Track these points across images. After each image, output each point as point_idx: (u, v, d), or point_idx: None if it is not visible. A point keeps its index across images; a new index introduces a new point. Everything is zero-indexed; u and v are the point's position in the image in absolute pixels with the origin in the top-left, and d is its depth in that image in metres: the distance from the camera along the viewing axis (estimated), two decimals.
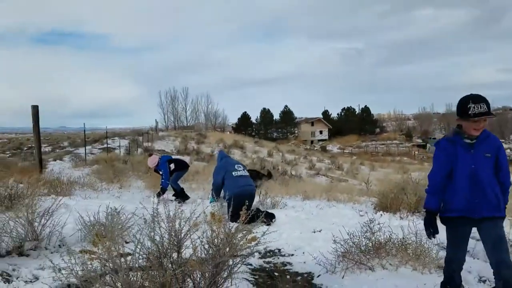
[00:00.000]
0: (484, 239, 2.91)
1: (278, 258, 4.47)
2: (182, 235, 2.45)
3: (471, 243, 4.75)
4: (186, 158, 26.51)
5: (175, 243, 2.42)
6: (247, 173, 6.86)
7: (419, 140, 72.56)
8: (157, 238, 2.38)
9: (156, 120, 50.79)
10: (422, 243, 3.82)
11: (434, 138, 73.87)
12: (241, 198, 5.50)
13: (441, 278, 3.59)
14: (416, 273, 3.62)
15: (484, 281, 3.63)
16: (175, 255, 2.42)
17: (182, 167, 8.54)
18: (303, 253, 4.51)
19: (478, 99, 2.70)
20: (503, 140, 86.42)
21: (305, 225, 5.90)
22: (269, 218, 6.03)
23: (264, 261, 4.33)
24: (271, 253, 4.64)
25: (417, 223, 4.48)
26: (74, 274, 2.27)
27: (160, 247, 2.34)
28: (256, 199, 7.22)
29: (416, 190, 6.44)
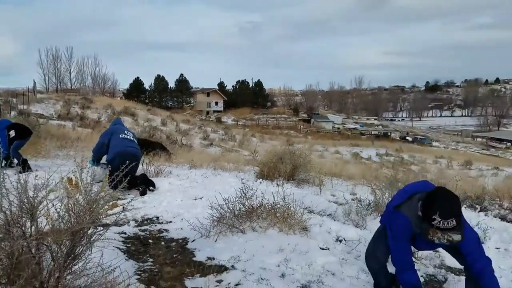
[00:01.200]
0: None
1: (155, 225, 4.46)
2: (37, 202, 2.28)
3: (334, 207, 5.32)
4: (68, 124, 24.49)
5: (28, 211, 2.24)
6: (135, 140, 6.63)
7: (305, 115, 77.24)
8: (6, 204, 2.18)
9: (34, 80, 45.24)
10: (289, 207, 4.13)
11: (318, 114, 79.47)
12: (123, 158, 5.28)
13: (303, 238, 3.96)
14: (282, 234, 3.91)
15: (341, 241, 4.08)
16: (28, 223, 2.25)
17: (24, 135, 7.54)
18: (181, 220, 4.55)
19: (448, 214, 2.18)
20: (376, 117, 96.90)
21: (187, 192, 5.94)
22: (150, 185, 5.96)
23: (139, 229, 4.28)
24: (148, 221, 4.61)
25: (287, 189, 4.83)
26: None
27: (8, 215, 2.15)
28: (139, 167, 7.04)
29: (292, 160, 6.89)
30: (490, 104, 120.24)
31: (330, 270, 3.32)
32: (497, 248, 4.04)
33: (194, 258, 3.52)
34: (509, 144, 61.72)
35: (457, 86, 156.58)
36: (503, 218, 5.26)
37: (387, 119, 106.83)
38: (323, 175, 6.88)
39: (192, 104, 76.52)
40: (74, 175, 2.40)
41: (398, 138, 59.18)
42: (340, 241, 4.08)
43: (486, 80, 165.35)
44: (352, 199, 5.87)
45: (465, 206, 5.82)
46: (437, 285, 3.27)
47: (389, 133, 65.12)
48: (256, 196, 4.24)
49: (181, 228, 4.28)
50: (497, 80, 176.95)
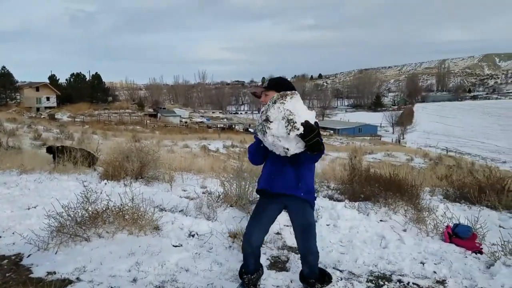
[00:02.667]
0: (292, 222, 2.94)
1: None
2: None
3: (185, 202, 5.35)
4: None
5: None
6: None
7: (151, 110, 75.33)
8: None
9: None
10: (139, 207, 3.98)
11: (164, 108, 78.43)
12: None
13: (156, 238, 3.88)
14: (132, 237, 3.76)
15: (193, 236, 4.12)
16: None
17: None
18: (13, 233, 4.01)
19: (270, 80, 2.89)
20: (220, 111, 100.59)
21: (18, 202, 5.25)
22: None
23: None
24: None
25: (137, 189, 4.65)
26: None
27: None
28: None
29: (140, 157, 6.65)
30: (316, 97, 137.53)
31: (184, 266, 3.33)
32: (328, 225, 4.65)
33: (31, 275, 3.12)
34: (332, 131, 71.60)
35: None
36: (330, 198, 6.07)
37: (231, 113, 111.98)
38: (173, 171, 6.84)
39: (18, 100, 66.88)
40: None
41: (242, 130, 62.51)
42: (193, 235, 4.12)
43: (311, 76, 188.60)
44: (203, 193, 5.98)
45: None
46: (281, 265, 3.59)
47: (233, 126, 68.30)
48: (101, 199, 3.97)
49: (13, 243, 3.77)
50: (320, 76, 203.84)
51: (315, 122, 2.54)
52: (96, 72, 77.97)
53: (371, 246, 4.02)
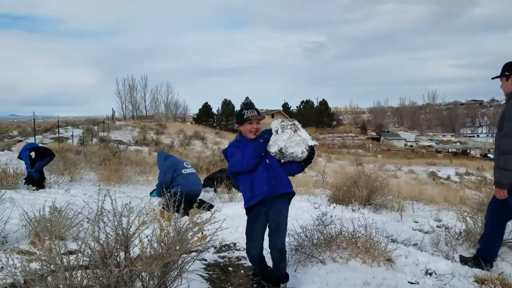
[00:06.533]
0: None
1: (233, 252, 4.47)
2: (131, 233, 2.37)
3: (419, 235, 4.97)
4: (145, 149, 25.95)
5: (123, 242, 2.34)
6: (194, 170, 6.93)
7: (373, 133, 74.88)
8: (103, 236, 2.29)
9: (113, 109, 49.00)
10: (372, 236, 3.92)
11: (388, 131, 76.59)
12: (190, 196, 5.58)
13: (389, 272, 3.72)
14: (365, 266, 3.71)
15: (431, 274, 3.77)
16: (122, 254, 2.34)
17: (43, 155, 8.23)
18: None
19: (250, 106, 3.78)
20: (452, 134, 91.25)
21: None
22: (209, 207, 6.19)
23: (219, 256, 4.31)
24: (226, 247, 4.64)
25: (367, 216, 4.61)
26: (12, 275, 2.15)
27: (105, 247, 2.25)
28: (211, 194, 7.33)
29: (368, 184, 6.61)
30: None
31: None
32: None
33: None
34: None
35: None
36: None
37: (465, 136, 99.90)
38: (402, 199, 6.53)
39: None
40: (163, 207, 2.46)
41: (479, 156, 54.81)
42: (430, 274, 3.76)
43: None
44: (438, 226, 5.45)
45: None
46: None
47: (468, 151, 60.61)
48: (335, 224, 4.09)
49: None
50: None
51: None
52: (323, 99, 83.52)
53: None
